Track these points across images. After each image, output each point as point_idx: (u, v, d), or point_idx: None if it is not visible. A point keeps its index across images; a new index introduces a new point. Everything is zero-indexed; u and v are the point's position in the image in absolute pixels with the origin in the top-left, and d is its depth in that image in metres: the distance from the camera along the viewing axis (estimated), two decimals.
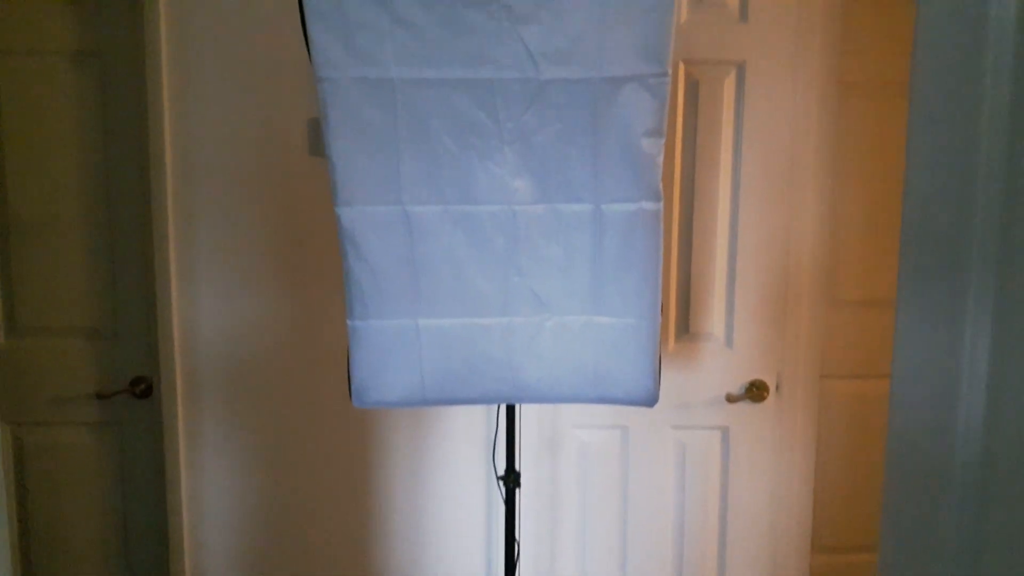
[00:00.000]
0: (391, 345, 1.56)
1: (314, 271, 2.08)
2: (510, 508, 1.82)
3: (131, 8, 2.01)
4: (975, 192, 0.79)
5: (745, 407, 2.17)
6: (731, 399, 2.14)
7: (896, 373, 0.93)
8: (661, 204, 1.47)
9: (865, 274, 2.59)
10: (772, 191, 2.11)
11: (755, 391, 2.14)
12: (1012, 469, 0.76)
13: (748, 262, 2.13)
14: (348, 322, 1.55)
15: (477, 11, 1.36)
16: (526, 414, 2.13)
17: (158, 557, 2.19)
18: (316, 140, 2.05)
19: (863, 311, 2.61)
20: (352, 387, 1.60)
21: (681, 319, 2.16)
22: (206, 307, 2.07)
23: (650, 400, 1.60)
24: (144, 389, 2.13)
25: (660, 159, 1.44)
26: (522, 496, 2.13)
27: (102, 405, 2.14)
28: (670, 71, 1.38)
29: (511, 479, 1.82)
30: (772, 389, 2.16)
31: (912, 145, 0.90)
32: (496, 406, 2.03)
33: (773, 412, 2.18)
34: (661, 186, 1.46)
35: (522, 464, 2.10)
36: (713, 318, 2.16)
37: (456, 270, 1.53)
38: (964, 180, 0.80)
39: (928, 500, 0.87)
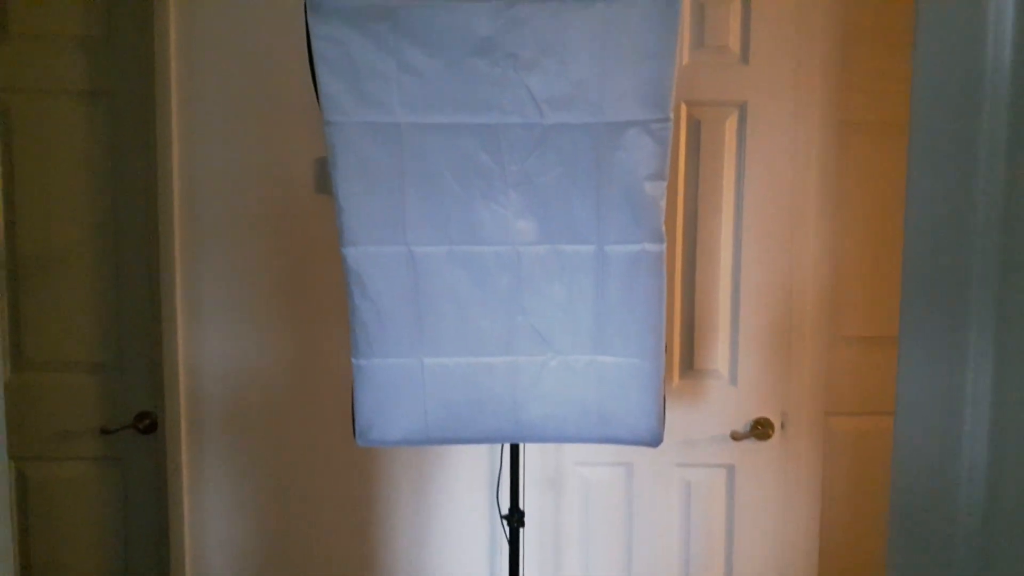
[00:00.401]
0: (395, 384, 1.57)
1: (319, 308, 2.09)
2: (514, 547, 1.81)
3: (142, 48, 2.05)
4: (974, 230, 0.80)
5: (750, 445, 2.16)
6: (736, 437, 2.13)
7: (899, 415, 0.93)
8: (663, 246, 1.48)
9: (868, 310, 2.60)
10: (774, 228, 2.12)
11: (760, 429, 2.14)
12: (1016, 512, 0.76)
13: (751, 299, 2.14)
14: (353, 360, 1.56)
15: (482, 59, 1.39)
16: (530, 451, 2.13)
17: None
18: (323, 178, 2.07)
19: (867, 347, 2.61)
20: (356, 426, 1.60)
21: (685, 356, 2.17)
22: (211, 343, 2.09)
23: (654, 440, 1.59)
24: (148, 424, 2.14)
25: (662, 202, 1.45)
26: (526, 534, 2.12)
27: (106, 440, 2.14)
28: (672, 116, 1.41)
29: (515, 518, 1.81)
30: (777, 427, 2.16)
31: (911, 184, 0.92)
32: (500, 445, 2.03)
33: (778, 450, 2.17)
34: (663, 228, 1.48)
35: (526, 502, 2.09)
36: (717, 355, 2.16)
37: (460, 309, 1.54)
38: (962, 218, 0.81)
39: (932, 545, 0.87)
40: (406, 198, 1.47)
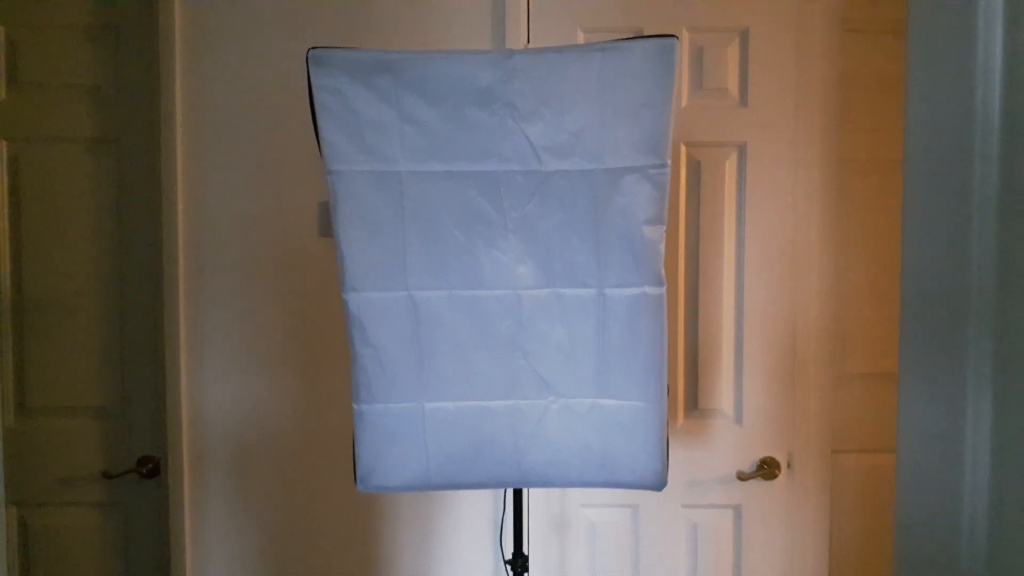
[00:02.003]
0: (396, 429, 1.56)
1: (322, 351, 2.09)
2: None
3: (147, 96, 2.08)
4: (969, 270, 0.80)
5: (757, 485, 2.14)
6: (742, 477, 2.11)
7: (900, 455, 0.93)
8: (663, 289, 1.49)
9: (872, 347, 2.59)
10: (776, 267, 2.13)
11: (766, 468, 2.12)
12: (1019, 559, 0.75)
13: (755, 338, 2.13)
14: (354, 406, 1.56)
15: (482, 109, 1.41)
16: (534, 493, 2.11)
17: None
18: (326, 222, 2.09)
19: (872, 384, 2.59)
20: (357, 472, 1.59)
21: (689, 395, 2.16)
22: (214, 388, 2.09)
23: (659, 484, 1.58)
24: (151, 469, 2.13)
25: (662, 245, 1.46)
26: None
27: (109, 485, 2.13)
28: (670, 162, 1.42)
29: (519, 563, 1.79)
30: (784, 466, 2.14)
31: (906, 227, 0.92)
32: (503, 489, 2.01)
33: (785, 489, 2.15)
34: (663, 271, 1.48)
35: (530, 544, 2.07)
36: (722, 394, 2.15)
37: (461, 354, 1.54)
38: (958, 258, 0.82)
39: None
40: (407, 244, 1.48)
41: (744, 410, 2.14)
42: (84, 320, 2.13)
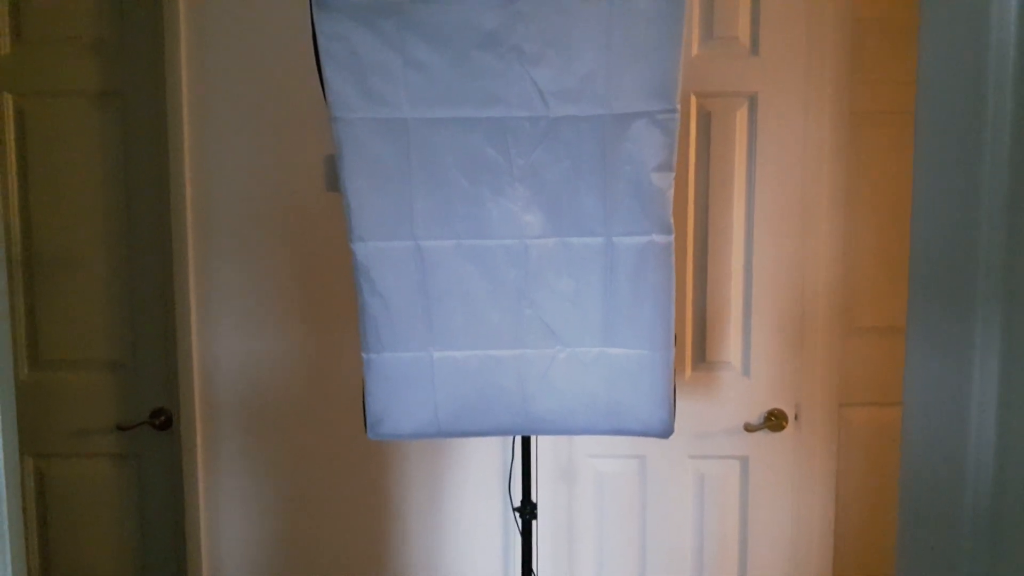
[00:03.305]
0: (405, 377, 1.58)
1: (331, 304, 2.10)
2: (527, 540, 1.81)
3: (152, 50, 2.07)
4: (980, 224, 0.80)
5: (764, 436, 2.15)
6: (749, 428, 2.13)
7: (907, 408, 0.93)
8: (672, 237, 1.48)
9: (882, 301, 2.58)
10: (786, 220, 2.11)
11: (773, 420, 2.13)
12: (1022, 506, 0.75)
13: (764, 290, 2.13)
14: (363, 355, 1.57)
15: (488, 53, 1.39)
16: (542, 445, 2.13)
17: None
18: (333, 176, 2.08)
19: (880, 338, 2.59)
20: (367, 419, 1.61)
21: (697, 348, 2.16)
22: (225, 340, 2.10)
23: (665, 432, 1.59)
24: (164, 421, 2.16)
25: (670, 193, 1.45)
26: (539, 527, 2.12)
27: (122, 437, 2.17)
28: (679, 107, 1.40)
29: (527, 510, 1.81)
30: (791, 418, 2.15)
31: (917, 178, 0.91)
32: (512, 437, 2.03)
33: (792, 441, 2.16)
34: (672, 219, 1.47)
35: (538, 494, 2.10)
36: (730, 347, 2.16)
37: (469, 303, 1.54)
38: (970, 210, 0.81)
39: (942, 534, 0.87)
40: (413, 193, 1.48)
41: (752, 362, 2.14)
42: (94, 274, 2.14)
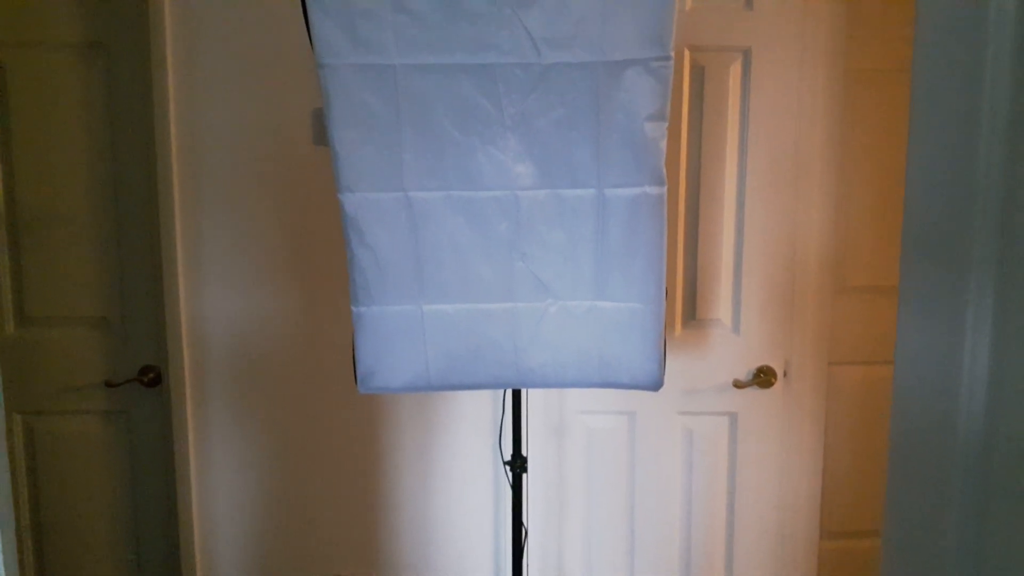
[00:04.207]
0: (395, 331, 1.57)
1: (320, 260, 2.09)
2: (517, 493, 1.83)
3: (137, 0, 2.01)
4: (977, 181, 0.79)
5: (753, 393, 2.17)
6: (739, 385, 2.14)
7: (899, 361, 0.93)
8: (664, 188, 1.47)
9: (873, 260, 2.58)
10: (779, 177, 2.10)
11: (763, 377, 2.14)
12: (1014, 454, 0.76)
13: (755, 248, 2.12)
14: (352, 308, 1.56)
15: None
16: (533, 400, 2.14)
17: (168, 542, 2.21)
18: (321, 130, 2.05)
19: (871, 297, 2.60)
20: (357, 373, 1.60)
21: (688, 305, 2.16)
22: (213, 296, 2.09)
23: (654, 384, 1.60)
24: (153, 378, 2.15)
25: (663, 143, 1.43)
26: (529, 482, 2.14)
27: (111, 394, 2.16)
28: (673, 55, 1.38)
29: (518, 464, 1.82)
30: (780, 375, 2.16)
31: (914, 133, 0.90)
32: (502, 392, 2.04)
33: (781, 398, 2.18)
34: (664, 170, 1.46)
35: (529, 450, 2.11)
36: (720, 304, 2.16)
37: (459, 256, 1.53)
38: (965, 170, 0.80)
39: (931, 486, 0.87)
40: (402, 143, 1.45)
41: (742, 320, 2.15)
42: (80, 230, 2.11)
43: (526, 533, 1.87)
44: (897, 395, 0.94)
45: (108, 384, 2.14)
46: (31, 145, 2.09)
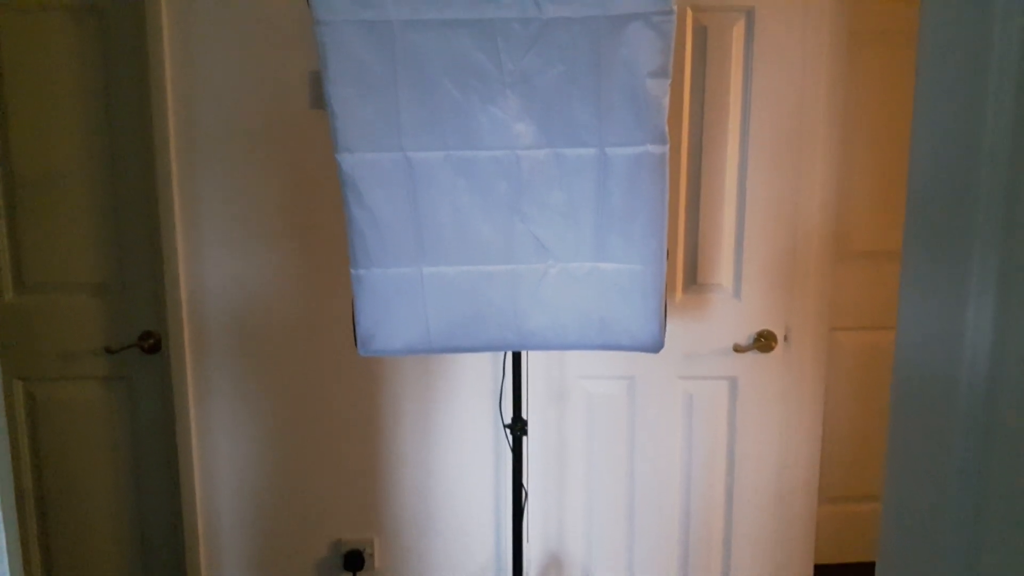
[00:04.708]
0: (395, 293, 1.56)
1: (319, 223, 2.07)
2: (517, 455, 1.83)
3: None
4: (983, 145, 0.77)
5: (753, 357, 2.16)
6: (739, 349, 2.14)
7: (901, 328, 0.92)
8: (666, 147, 1.45)
9: (875, 224, 2.57)
10: (782, 140, 2.08)
11: (763, 341, 2.14)
12: (1016, 418, 0.75)
13: (757, 212, 2.11)
14: (351, 271, 1.55)
15: None
16: (533, 366, 2.14)
17: (170, 507, 2.22)
18: (318, 93, 2.03)
19: (873, 262, 2.59)
20: (357, 336, 1.60)
21: (689, 270, 2.15)
22: (212, 261, 2.08)
23: (655, 346, 1.59)
24: (153, 344, 2.15)
25: (665, 100, 1.41)
26: (529, 447, 2.15)
27: (111, 360, 2.16)
28: (675, 8, 1.35)
29: (518, 427, 1.83)
30: (780, 339, 2.16)
31: (919, 101, 0.88)
32: (502, 355, 2.04)
33: (781, 362, 2.17)
34: (666, 129, 1.44)
35: (529, 416, 2.11)
36: (721, 269, 2.15)
37: (459, 217, 1.52)
38: (972, 134, 0.78)
39: (932, 448, 0.87)
40: (400, 101, 1.43)
41: (743, 285, 2.14)
42: (76, 195, 2.09)
43: (526, 495, 1.88)
44: (898, 362, 0.93)
45: (108, 350, 2.14)
46: (26, 109, 2.06)
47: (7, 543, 1.15)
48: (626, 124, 1.43)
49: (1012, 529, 0.75)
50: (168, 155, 2.03)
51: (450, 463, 2.20)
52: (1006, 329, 0.76)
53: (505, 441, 2.16)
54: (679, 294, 2.15)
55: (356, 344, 1.61)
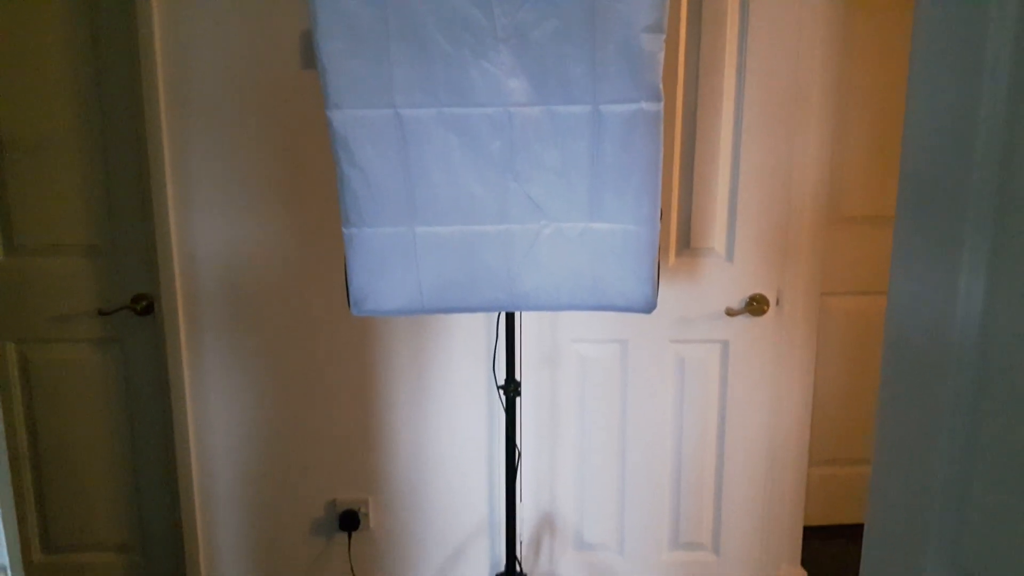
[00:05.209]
0: (388, 253, 1.56)
1: (311, 185, 2.06)
2: (511, 416, 1.84)
3: None
4: (978, 114, 0.77)
5: (745, 321, 2.17)
6: (731, 313, 2.14)
7: (892, 297, 0.92)
8: (661, 105, 1.44)
9: (868, 190, 2.57)
10: (776, 104, 2.06)
11: (755, 305, 2.14)
12: (1006, 379, 0.75)
13: (751, 177, 2.10)
14: (344, 230, 1.55)
15: None
16: (526, 329, 2.14)
17: (165, 469, 2.24)
18: (309, 53, 2.00)
19: (865, 228, 2.60)
20: (350, 296, 1.60)
21: (682, 234, 2.15)
22: (204, 222, 2.07)
23: (648, 307, 1.59)
24: (146, 306, 2.14)
25: (660, 56, 1.40)
26: (522, 410, 2.16)
27: (104, 322, 2.15)
28: None
29: (511, 388, 1.83)
30: (772, 303, 2.16)
31: (915, 68, 0.87)
32: (495, 318, 2.04)
33: (773, 326, 2.18)
34: (661, 86, 1.43)
35: (522, 380, 2.12)
36: (714, 233, 2.14)
37: (451, 176, 1.51)
38: (967, 102, 0.77)
39: (923, 410, 0.87)
40: (392, 57, 1.41)
41: (736, 249, 2.14)
42: (66, 156, 2.07)
43: (519, 454, 1.89)
44: (890, 325, 0.93)
45: (101, 312, 2.13)
46: (13, 70, 2.03)
47: (2, 505, 1.15)
48: (621, 80, 1.41)
49: (1000, 489, 0.76)
50: (158, 116, 2.00)
51: (443, 424, 2.22)
52: (997, 294, 0.76)
53: (498, 403, 2.18)
54: (672, 258, 2.15)
55: (349, 304, 1.61)
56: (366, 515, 2.24)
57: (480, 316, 2.13)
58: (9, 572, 1.19)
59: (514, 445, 1.86)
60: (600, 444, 2.24)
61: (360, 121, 1.46)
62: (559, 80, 1.43)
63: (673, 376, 2.21)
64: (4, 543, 1.16)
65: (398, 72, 1.43)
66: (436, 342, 2.17)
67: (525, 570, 2.24)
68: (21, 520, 2.23)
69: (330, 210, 2.06)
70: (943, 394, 0.84)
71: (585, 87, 1.43)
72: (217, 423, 2.18)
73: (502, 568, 2.09)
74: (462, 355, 2.17)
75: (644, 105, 1.43)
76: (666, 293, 2.12)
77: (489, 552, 2.30)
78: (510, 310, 1.66)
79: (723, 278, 2.15)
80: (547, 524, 2.27)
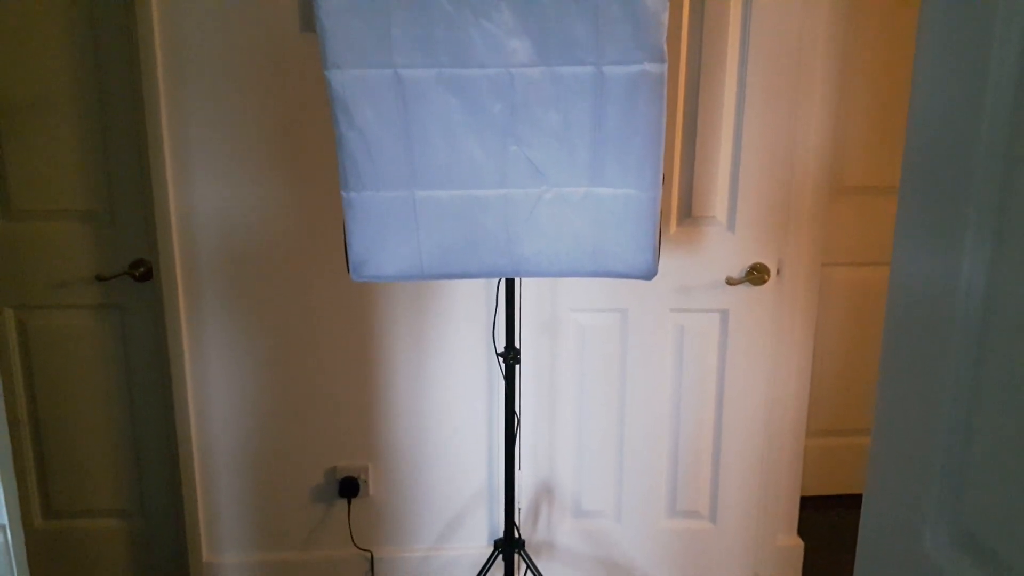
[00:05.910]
0: (387, 217, 1.54)
1: (310, 149, 2.04)
2: (510, 383, 1.84)
3: None
4: (985, 90, 0.75)
5: (745, 290, 2.16)
6: (731, 282, 2.13)
7: (894, 271, 0.91)
8: (665, 67, 1.42)
9: (869, 161, 2.55)
10: (780, 74, 2.04)
11: (755, 274, 2.13)
12: (1011, 335, 0.74)
13: (753, 146, 2.08)
14: (343, 194, 1.53)
15: None
16: (526, 298, 2.14)
17: (165, 434, 2.24)
18: (308, 16, 1.97)
19: (867, 198, 2.58)
20: (350, 261, 1.59)
21: (684, 203, 2.13)
22: (202, 188, 2.05)
23: (648, 273, 1.58)
24: (144, 272, 2.13)
25: (664, 17, 1.37)
26: (521, 378, 2.16)
27: (102, 288, 2.15)
28: None
29: (511, 355, 1.83)
30: (773, 273, 2.15)
31: (921, 46, 0.85)
32: (495, 286, 2.03)
33: (773, 296, 2.18)
34: (665, 48, 1.41)
35: (521, 348, 2.12)
36: (716, 202, 2.13)
37: (451, 139, 1.49)
38: (974, 77, 0.76)
39: (926, 365, 0.86)
40: (391, 15, 1.39)
41: (738, 218, 2.12)
42: (63, 121, 2.05)
43: (518, 422, 1.89)
44: (892, 293, 0.93)
45: (99, 278, 2.12)
46: (9, 33, 2.00)
47: (2, 472, 1.15)
48: (624, 41, 1.39)
49: (1001, 457, 0.76)
50: (156, 80, 1.98)
51: (443, 391, 2.22)
52: (1000, 267, 0.75)
53: (497, 371, 2.18)
54: (673, 227, 2.14)
55: (348, 270, 1.60)
56: (366, 482, 2.25)
57: (480, 284, 2.13)
58: (8, 532, 1.20)
59: (513, 413, 1.86)
60: (599, 413, 2.24)
61: (359, 82, 1.44)
62: (561, 40, 1.41)
63: (672, 345, 2.21)
64: (3, 502, 1.16)
65: (397, 30, 1.40)
66: (436, 308, 2.16)
67: (523, 537, 2.25)
68: (21, 486, 2.23)
69: (329, 175, 2.04)
70: (945, 363, 0.83)
71: (588, 47, 1.41)
72: (217, 389, 2.18)
73: (500, 535, 2.10)
74: (461, 323, 2.17)
75: (648, 66, 1.41)
76: (667, 262, 2.11)
77: (488, 519, 2.31)
78: (510, 276, 1.65)
79: (724, 247, 2.14)
80: (545, 491, 2.28)
